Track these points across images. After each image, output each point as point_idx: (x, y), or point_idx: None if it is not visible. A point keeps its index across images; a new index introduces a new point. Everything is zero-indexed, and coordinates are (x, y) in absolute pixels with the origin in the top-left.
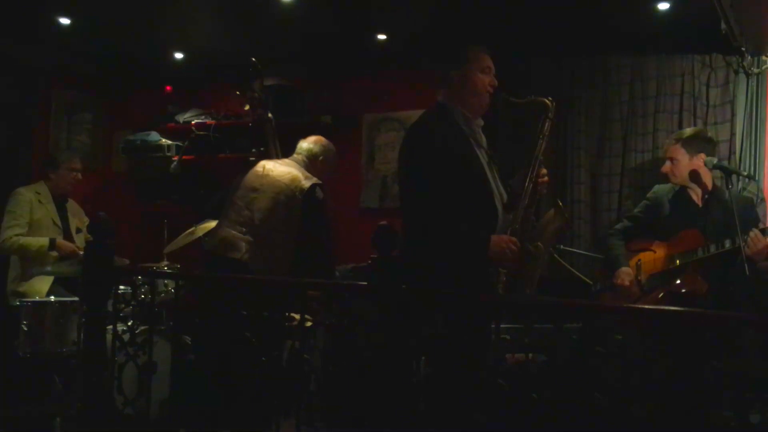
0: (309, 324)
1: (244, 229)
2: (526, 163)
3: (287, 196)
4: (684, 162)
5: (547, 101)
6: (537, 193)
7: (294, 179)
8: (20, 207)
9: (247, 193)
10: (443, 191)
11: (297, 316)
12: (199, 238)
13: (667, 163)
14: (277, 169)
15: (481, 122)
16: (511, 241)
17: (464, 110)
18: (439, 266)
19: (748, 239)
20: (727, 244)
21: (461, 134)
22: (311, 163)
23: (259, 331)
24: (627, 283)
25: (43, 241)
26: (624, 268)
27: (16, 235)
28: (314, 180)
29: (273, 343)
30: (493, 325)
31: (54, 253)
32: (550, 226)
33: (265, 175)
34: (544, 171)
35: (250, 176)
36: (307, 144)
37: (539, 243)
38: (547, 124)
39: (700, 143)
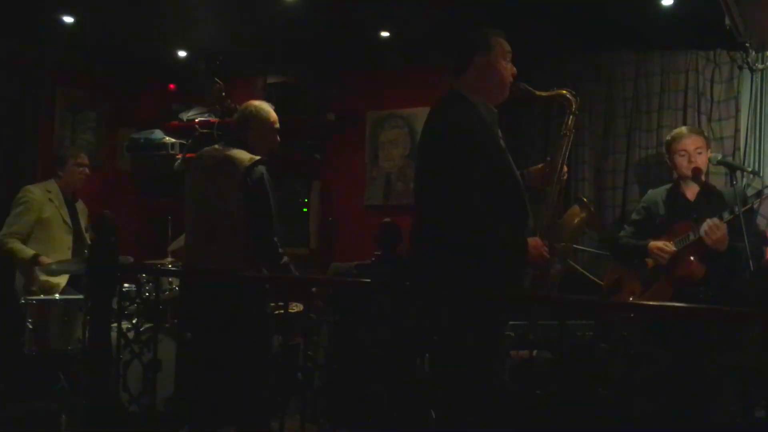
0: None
1: (197, 232)
2: (551, 161)
3: (228, 182)
4: (705, 154)
5: (570, 96)
6: (562, 192)
7: (233, 161)
8: (26, 206)
9: (195, 191)
10: (481, 188)
11: (298, 307)
12: None
13: (693, 156)
14: (217, 155)
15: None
16: (544, 245)
17: (486, 100)
18: (475, 265)
19: (707, 227)
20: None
21: (487, 126)
22: (247, 132)
23: (260, 327)
24: (662, 245)
25: (28, 253)
26: (652, 242)
27: (12, 235)
28: (255, 158)
29: (271, 339)
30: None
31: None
32: (573, 222)
33: (205, 167)
34: (566, 168)
35: (194, 173)
36: (237, 116)
37: (566, 243)
38: (571, 119)
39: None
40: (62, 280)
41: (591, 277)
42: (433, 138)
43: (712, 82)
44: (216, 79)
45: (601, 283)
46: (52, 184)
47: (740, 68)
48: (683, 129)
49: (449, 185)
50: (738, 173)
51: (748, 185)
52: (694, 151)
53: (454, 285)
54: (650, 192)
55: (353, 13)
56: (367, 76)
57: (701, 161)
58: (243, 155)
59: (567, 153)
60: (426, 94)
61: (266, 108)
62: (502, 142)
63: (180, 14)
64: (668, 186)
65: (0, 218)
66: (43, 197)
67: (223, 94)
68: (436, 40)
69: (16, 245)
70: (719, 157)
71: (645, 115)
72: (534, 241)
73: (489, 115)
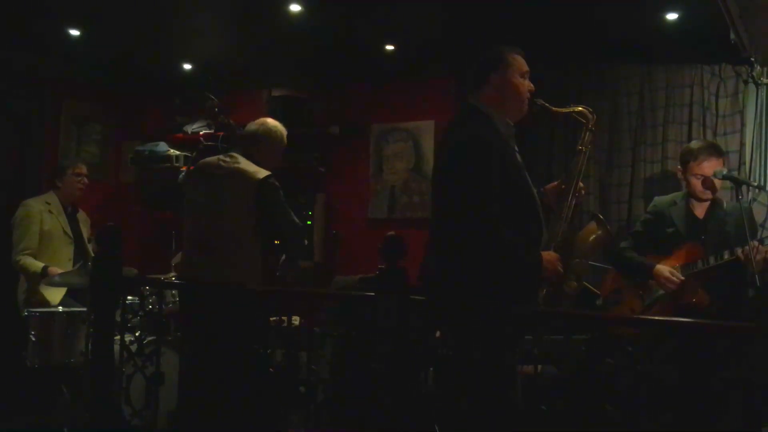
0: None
1: (198, 245)
2: (567, 177)
3: (238, 194)
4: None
5: (587, 112)
6: (577, 207)
7: (244, 174)
8: (28, 220)
9: (197, 203)
10: (498, 202)
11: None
12: None
13: (710, 182)
14: (224, 167)
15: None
16: (558, 259)
17: (503, 116)
18: (489, 277)
19: (748, 250)
20: (726, 255)
21: (503, 140)
22: (257, 147)
23: (264, 341)
24: (668, 274)
25: (38, 266)
26: (658, 266)
27: (23, 252)
28: (266, 172)
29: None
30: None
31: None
32: (589, 239)
33: (210, 178)
34: (581, 184)
35: (196, 184)
36: (250, 127)
37: (580, 259)
38: (587, 135)
39: None
40: (58, 295)
41: (591, 288)
42: (451, 150)
43: (717, 96)
44: (210, 96)
45: (598, 292)
46: (52, 196)
47: (745, 82)
48: (702, 147)
49: (465, 197)
50: (743, 188)
51: (754, 200)
52: (712, 175)
53: (467, 298)
54: (657, 200)
55: (358, 26)
56: (372, 89)
57: (718, 183)
58: (252, 168)
59: (583, 169)
60: (431, 108)
61: (282, 130)
62: (518, 156)
63: (185, 28)
64: (677, 196)
65: (3, 229)
66: (42, 209)
67: (217, 110)
68: (440, 54)
69: (27, 260)
70: (724, 171)
71: (650, 129)
72: (548, 254)
73: (506, 130)
